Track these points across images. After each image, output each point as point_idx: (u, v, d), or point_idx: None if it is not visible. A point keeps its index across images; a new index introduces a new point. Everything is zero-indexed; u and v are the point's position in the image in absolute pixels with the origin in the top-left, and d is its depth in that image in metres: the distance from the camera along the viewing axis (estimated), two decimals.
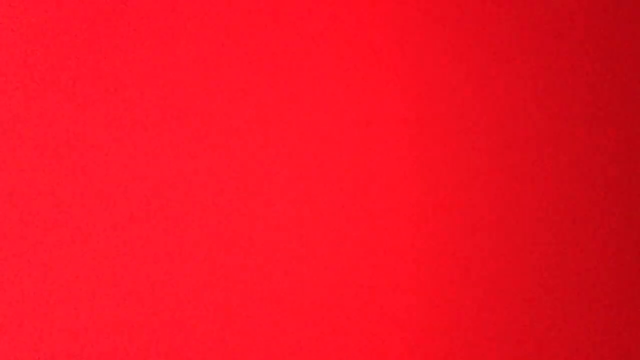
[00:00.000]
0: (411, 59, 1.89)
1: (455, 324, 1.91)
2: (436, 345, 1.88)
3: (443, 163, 1.91)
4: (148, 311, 1.61)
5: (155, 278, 1.62)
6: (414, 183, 1.88)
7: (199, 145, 1.67)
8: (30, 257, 1.52)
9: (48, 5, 1.55)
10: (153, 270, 1.62)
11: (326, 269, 1.79)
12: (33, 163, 1.53)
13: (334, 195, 1.80)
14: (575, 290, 2.04)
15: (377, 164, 1.85)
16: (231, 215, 1.70)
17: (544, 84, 2.02)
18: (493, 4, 1.97)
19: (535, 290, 2.00)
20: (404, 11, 1.88)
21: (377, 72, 1.85)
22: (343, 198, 1.81)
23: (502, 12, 1.98)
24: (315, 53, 1.79)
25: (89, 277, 1.57)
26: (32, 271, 1.52)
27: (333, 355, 1.78)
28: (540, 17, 2.03)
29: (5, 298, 1.50)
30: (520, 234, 1.99)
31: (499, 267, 1.96)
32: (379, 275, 1.84)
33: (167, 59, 1.65)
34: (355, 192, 1.82)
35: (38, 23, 1.55)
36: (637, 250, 2.11)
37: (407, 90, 1.88)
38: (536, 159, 2.01)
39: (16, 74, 1.52)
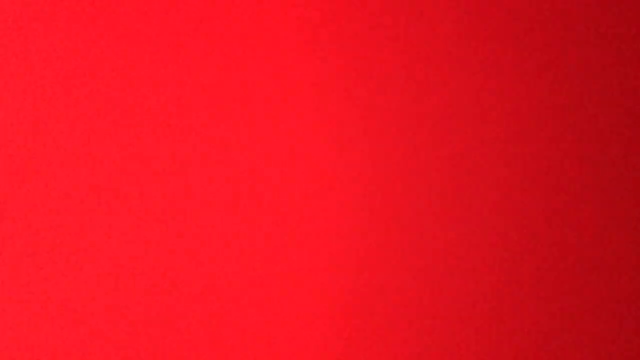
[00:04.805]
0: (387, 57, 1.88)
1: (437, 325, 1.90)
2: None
3: (390, 164, 1.89)
4: (141, 311, 1.60)
5: (144, 277, 1.61)
6: (370, 184, 1.86)
7: (195, 143, 1.66)
8: (29, 257, 1.51)
9: (48, 4, 1.54)
10: (143, 269, 1.61)
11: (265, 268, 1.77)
12: (33, 163, 1.52)
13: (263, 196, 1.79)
14: (571, 294, 2.04)
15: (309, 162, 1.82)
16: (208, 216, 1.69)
17: (540, 83, 2.02)
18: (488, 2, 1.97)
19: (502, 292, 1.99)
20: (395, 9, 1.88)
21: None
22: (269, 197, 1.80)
23: (496, 9, 1.98)
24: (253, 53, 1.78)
25: (87, 277, 1.55)
26: (31, 271, 1.51)
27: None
28: (538, 15, 2.02)
29: (5, 298, 1.49)
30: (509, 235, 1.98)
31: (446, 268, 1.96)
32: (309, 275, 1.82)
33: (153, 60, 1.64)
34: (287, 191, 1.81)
35: (37, 22, 1.53)
36: (637, 250, 2.10)
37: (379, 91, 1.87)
38: (532, 159, 2.01)
39: (16, 74, 1.51)
